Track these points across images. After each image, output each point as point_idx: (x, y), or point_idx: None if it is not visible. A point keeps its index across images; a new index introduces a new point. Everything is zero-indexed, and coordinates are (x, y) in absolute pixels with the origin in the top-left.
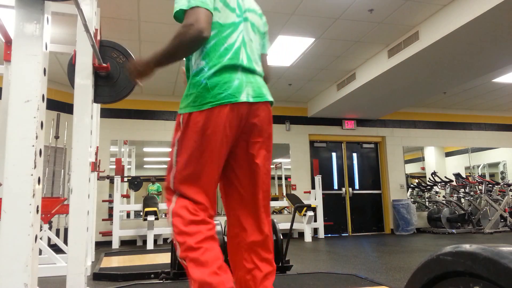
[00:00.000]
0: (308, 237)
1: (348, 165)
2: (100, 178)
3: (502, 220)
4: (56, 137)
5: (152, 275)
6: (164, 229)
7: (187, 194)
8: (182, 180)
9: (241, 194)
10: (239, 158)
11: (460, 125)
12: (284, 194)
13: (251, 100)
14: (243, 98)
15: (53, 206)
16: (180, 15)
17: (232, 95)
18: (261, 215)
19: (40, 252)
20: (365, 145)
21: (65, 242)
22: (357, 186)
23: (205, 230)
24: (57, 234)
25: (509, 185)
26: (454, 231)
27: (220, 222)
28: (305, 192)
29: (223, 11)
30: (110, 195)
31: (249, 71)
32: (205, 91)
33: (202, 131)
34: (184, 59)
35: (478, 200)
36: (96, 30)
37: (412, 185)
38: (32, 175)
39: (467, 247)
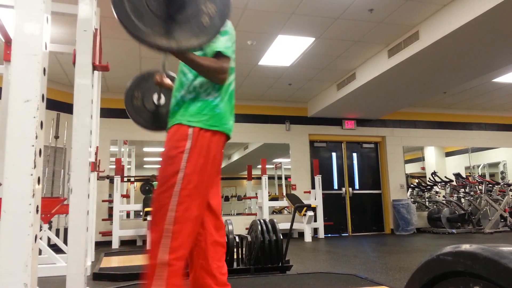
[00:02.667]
0: (308, 237)
1: (348, 165)
2: (100, 178)
3: (502, 220)
4: (56, 137)
5: None
6: None
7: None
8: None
9: None
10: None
11: (460, 125)
12: (284, 194)
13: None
14: (231, 134)
15: (53, 206)
16: (214, 52)
17: (230, 129)
18: None
19: (40, 252)
20: (365, 145)
21: (65, 242)
22: (357, 186)
23: None
24: (57, 234)
25: (509, 185)
26: (454, 231)
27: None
28: (305, 192)
29: (232, 59)
30: (110, 195)
31: None
32: (217, 116)
33: (209, 147)
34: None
35: (478, 200)
36: (96, 30)
37: (412, 185)
38: (32, 175)
39: (467, 247)
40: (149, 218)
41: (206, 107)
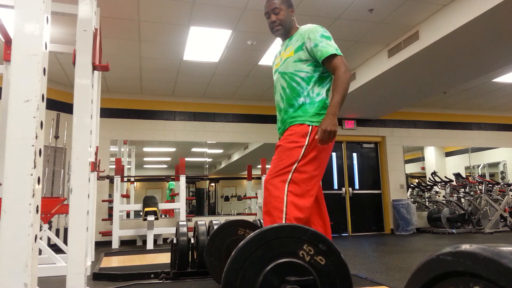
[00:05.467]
0: None
1: (348, 165)
2: (100, 178)
3: (502, 220)
4: (56, 137)
5: (152, 275)
6: (164, 229)
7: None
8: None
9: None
10: None
11: (460, 125)
12: None
13: None
14: None
15: (53, 206)
16: (329, 56)
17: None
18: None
19: (40, 252)
20: (365, 145)
21: (65, 242)
22: (357, 186)
23: None
24: (57, 234)
25: (509, 185)
26: (454, 231)
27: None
28: None
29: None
30: (110, 195)
31: None
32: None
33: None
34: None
35: (478, 200)
36: (96, 30)
37: (412, 185)
38: (31, 175)
39: (467, 247)
40: (149, 218)
41: (322, 108)
